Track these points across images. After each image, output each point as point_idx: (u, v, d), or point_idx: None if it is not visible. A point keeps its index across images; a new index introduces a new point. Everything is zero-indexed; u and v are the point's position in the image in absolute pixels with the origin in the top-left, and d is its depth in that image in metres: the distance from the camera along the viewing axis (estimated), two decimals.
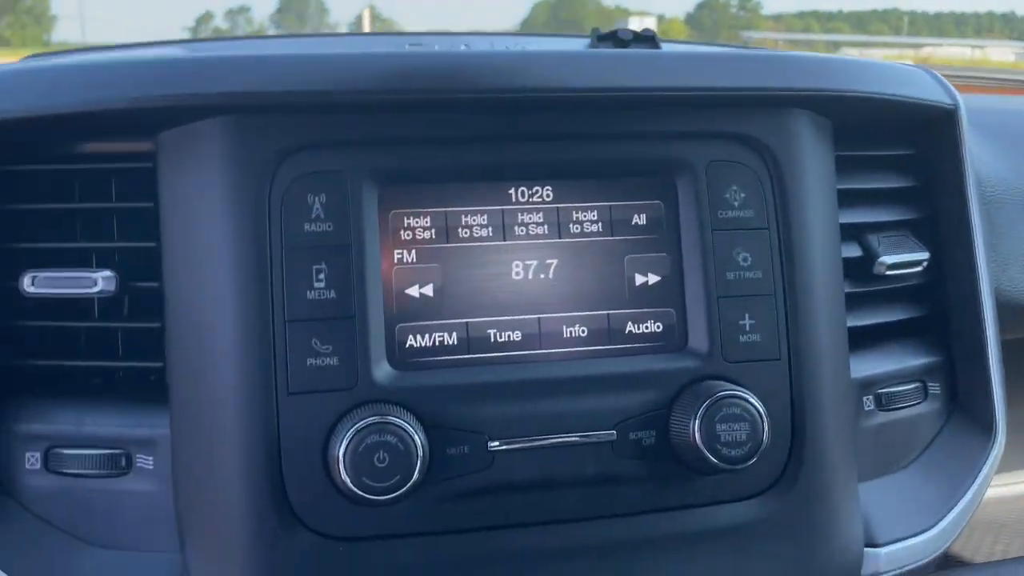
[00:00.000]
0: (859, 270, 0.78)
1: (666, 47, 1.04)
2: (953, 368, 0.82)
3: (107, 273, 0.65)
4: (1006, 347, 0.84)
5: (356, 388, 0.62)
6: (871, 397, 0.77)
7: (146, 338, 0.67)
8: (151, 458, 0.66)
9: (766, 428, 0.64)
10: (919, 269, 0.80)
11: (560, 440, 0.64)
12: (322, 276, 0.63)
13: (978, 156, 0.91)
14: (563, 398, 0.65)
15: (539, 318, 0.67)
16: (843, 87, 0.71)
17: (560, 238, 0.67)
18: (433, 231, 0.66)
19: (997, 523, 1.32)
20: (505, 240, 0.67)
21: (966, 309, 0.80)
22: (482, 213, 0.66)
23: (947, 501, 0.75)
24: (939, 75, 0.82)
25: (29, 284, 0.65)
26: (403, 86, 0.63)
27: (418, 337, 0.65)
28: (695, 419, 0.63)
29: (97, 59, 0.67)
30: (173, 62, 0.63)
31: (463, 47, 1.08)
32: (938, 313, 0.83)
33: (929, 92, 0.79)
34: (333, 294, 0.63)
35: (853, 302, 0.76)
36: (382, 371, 0.63)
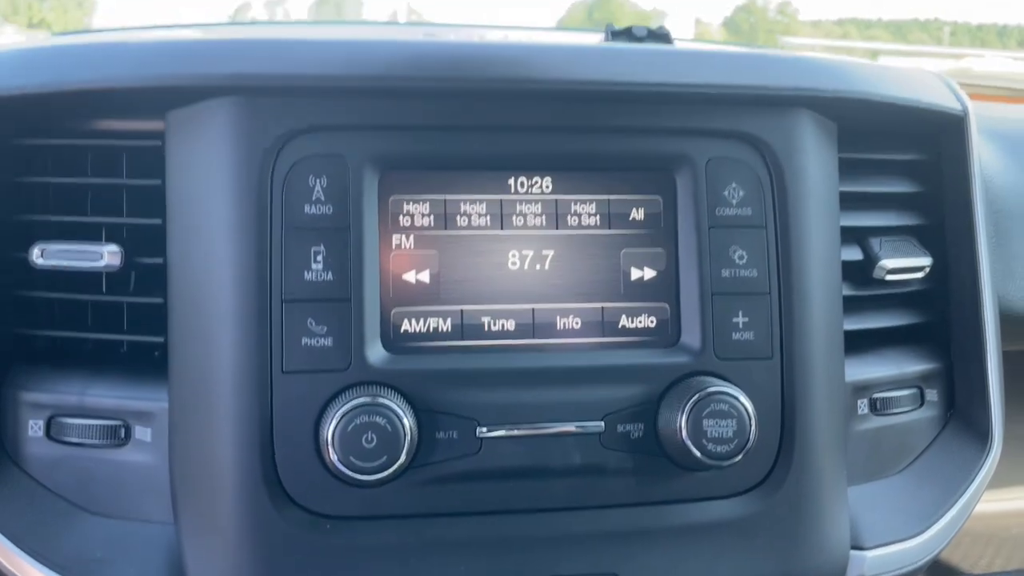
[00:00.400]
0: (859, 273, 0.77)
1: (680, 45, 1.04)
2: (951, 376, 0.82)
3: (113, 248, 0.67)
4: (1012, 358, 0.84)
5: (349, 369, 0.63)
6: (865, 401, 0.77)
7: (149, 313, 0.69)
8: (149, 430, 0.67)
9: (753, 426, 0.64)
10: (921, 275, 0.80)
11: (548, 429, 0.65)
12: (320, 258, 0.64)
13: (990, 165, 0.90)
14: (553, 388, 0.66)
15: (533, 308, 0.67)
16: (846, 89, 0.71)
17: (557, 229, 0.68)
18: (432, 218, 0.67)
19: (999, 537, 1.30)
20: (503, 229, 0.67)
21: (967, 317, 0.79)
22: (481, 202, 0.67)
23: (938, 508, 0.75)
24: (950, 80, 0.81)
25: (38, 256, 0.67)
26: (406, 73, 0.64)
27: (413, 322, 0.66)
28: (682, 414, 0.64)
29: (112, 39, 0.69)
30: (182, 44, 0.65)
31: (477, 38, 1.09)
32: (939, 320, 0.82)
33: (938, 97, 0.78)
34: (330, 276, 0.64)
35: (852, 305, 0.76)
36: (375, 353, 0.64)
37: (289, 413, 0.63)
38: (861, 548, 0.72)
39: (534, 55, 0.66)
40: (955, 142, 0.80)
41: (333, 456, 0.60)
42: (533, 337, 0.67)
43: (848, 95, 0.71)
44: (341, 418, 0.60)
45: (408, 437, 0.61)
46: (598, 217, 0.68)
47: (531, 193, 0.68)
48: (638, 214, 0.69)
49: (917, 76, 0.79)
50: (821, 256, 0.71)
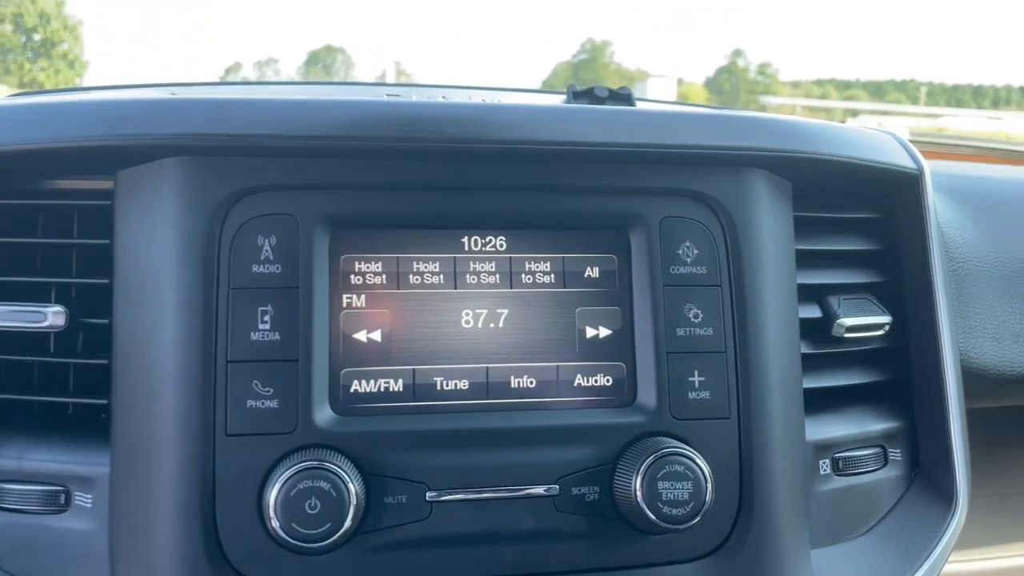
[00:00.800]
0: (818, 331, 0.77)
1: (642, 106, 1.05)
2: (916, 434, 0.81)
3: (57, 308, 0.66)
4: (978, 415, 0.83)
5: (295, 432, 0.62)
6: (828, 461, 0.75)
7: (95, 374, 0.67)
8: (90, 496, 0.65)
9: (710, 488, 0.63)
10: (881, 332, 0.79)
11: (501, 493, 0.64)
12: (267, 318, 0.63)
13: (950, 223, 0.91)
14: (507, 450, 0.64)
15: (487, 367, 0.66)
16: (798, 148, 0.71)
17: (512, 288, 0.67)
18: (384, 276, 0.66)
19: None
20: (456, 288, 0.67)
21: (928, 375, 0.79)
22: (434, 260, 0.67)
23: (903, 572, 0.73)
24: (904, 140, 0.82)
25: None
26: (353, 133, 0.64)
27: (363, 382, 0.65)
28: (637, 475, 0.62)
29: (66, 99, 0.68)
30: (131, 103, 0.65)
31: (441, 98, 1.09)
32: (902, 377, 0.82)
33: (892, 156, 0.79)
34: (277, 336, 0.63)
35: (811, 363, 0.76)
36: (323, 415, 0.63)
37: (232, 478, 0.61)
38: None
39: (486, 115, 0.66)
40: (910, 200, 0.80)
41: (275, 522, 0.58)
42: (487, 397, 0.66)
43: (800, 155, 0.72)
44: (284, 483, 0.59)
45: (354, 502, 0.59)
46: (553, 275, 0.68)
47: (485, 251, 0.67)
48: (593, 272, 0.68)
49: (870, 136, 0.80)
50: (778, 314, 0.70)
